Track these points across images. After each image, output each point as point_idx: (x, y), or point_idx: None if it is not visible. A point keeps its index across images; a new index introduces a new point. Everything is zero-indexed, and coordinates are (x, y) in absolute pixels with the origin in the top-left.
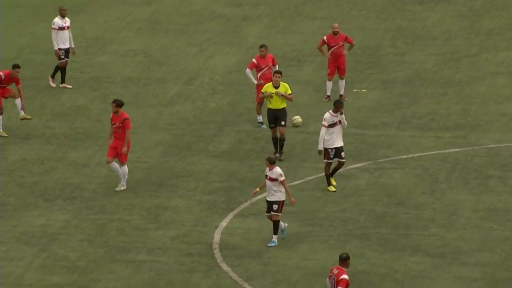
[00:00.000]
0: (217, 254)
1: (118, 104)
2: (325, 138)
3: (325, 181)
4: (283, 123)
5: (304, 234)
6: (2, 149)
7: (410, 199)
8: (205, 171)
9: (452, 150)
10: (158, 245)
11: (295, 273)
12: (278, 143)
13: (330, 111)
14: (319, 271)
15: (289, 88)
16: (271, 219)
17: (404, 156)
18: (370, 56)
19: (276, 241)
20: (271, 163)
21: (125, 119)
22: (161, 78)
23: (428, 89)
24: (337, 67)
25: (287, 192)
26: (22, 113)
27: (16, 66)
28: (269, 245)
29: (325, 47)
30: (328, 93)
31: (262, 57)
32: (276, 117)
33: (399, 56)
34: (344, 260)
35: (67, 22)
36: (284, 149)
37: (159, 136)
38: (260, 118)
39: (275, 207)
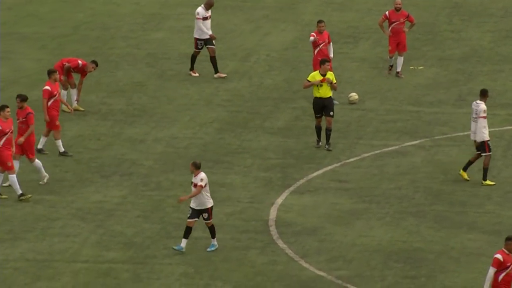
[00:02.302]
0: (273, 231)
1: (23, 99)
2: (483, 130)
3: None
4: (331, 113)
5: (360, 211)
6: None
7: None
8: (261, 147)
9: (508, 127)
10: (214, 221)
11: (351, 250)
12: (325, 133)
13: (479, 101)
14: (375, 248)
15: (334, 77)
16: (189, 226)
17: (461, 133)
18: (427, 33)
19: (216, 244)
20: (196, 168)
21: (28, 113)
22: (218, 55)
23: (484, 66)
24: (397, 43)
25: (191, 194)
26: (75, 104)
27: (94, 62)
28: (208, 249)
29: (385, 24)
30: (391, 64)
31: (320, 32)
32: (323, 106)
33: (456, 33)
34: (506, 241)
35: (209, 12)
36: (331, 140)
37: (215, 113)
38: None
39: (205, 215)
